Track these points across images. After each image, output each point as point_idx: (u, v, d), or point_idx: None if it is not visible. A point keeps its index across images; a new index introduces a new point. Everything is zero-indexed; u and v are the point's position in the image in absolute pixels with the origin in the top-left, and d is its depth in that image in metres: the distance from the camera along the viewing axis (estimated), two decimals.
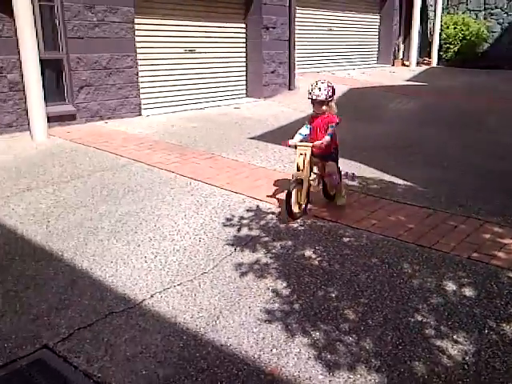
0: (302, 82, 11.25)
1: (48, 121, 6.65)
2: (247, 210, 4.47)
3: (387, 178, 5.40)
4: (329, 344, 2.79)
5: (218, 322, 3.01)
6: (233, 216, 4.35)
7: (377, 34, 15.53)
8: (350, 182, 4.89)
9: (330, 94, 4.16)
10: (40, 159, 5.70)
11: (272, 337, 2.86)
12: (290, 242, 3.86)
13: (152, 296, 3.28)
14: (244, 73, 10.29)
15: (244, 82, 10.33)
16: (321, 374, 2.58)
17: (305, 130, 4.32)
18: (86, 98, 7.36)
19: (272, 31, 10.18)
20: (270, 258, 3.68)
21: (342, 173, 4.58)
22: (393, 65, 15.72)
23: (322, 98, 4.12)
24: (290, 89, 10.64)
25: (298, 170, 4.16)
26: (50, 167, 5.44)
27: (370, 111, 9.41)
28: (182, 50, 9.02)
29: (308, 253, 3.71)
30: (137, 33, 7.99)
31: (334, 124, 4.19)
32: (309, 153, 4.12)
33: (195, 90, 9.36)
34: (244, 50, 10.18)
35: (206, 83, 9.55)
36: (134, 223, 4.18)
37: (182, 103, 9.09)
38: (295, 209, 4.17)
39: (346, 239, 3.90)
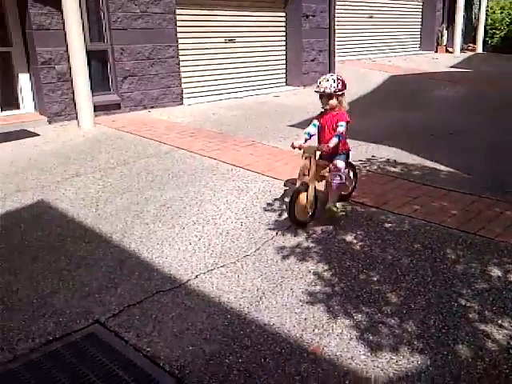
0: (341, 70, 11.14)
1: (94, 110, 6.87)
2: (288, 196, 4.51)
3: (429, 164, 5.33)
4: (371, 326, 2.81)
5: (260, 302, 3.09)
6: (274, 201, 4.40)
7: (419, 20, 15.18)
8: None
9: (340, 87, 3.79)
10: (87, 146, 5.91)
11: (314, 317, 2.91)
12: (330, 227, 3.89)
13: (197, 276, 3.38)
14: (284, 61, 10.28)
15: (283, 71, 10.32)
16: (363, 355, 2.61)
17: (312, 129, 3.97)
18: (130, 87, 7.56)
19: (312, 19, 10.11)
20: (312, 242, 3.72)
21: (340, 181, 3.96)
22: (436, 51, 15.34)
23: (331, 90, 3.76)
24: None
25: (304, 174, 3.83)
26: (97, 154, 5.64)
27: (411, 98, 9.25)
28: (222, 40, 9.09)
29: (349, 238, 3.74)
30: (178, 23, 8.11)
31: (343, 123, 3.81)
32: (315, 155, 3.78)
33: (235, 79, 9.44)
34: (284, 38, 10.16)
35: (246, 72, 9.60)
36: (178, 207, 4.30)
37: (222, 92, 9.18)
38: (300, 216, 3.85)
39: (387, 225, 3.90)
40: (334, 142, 3.74)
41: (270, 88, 9.92)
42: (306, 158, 3.79)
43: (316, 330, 2.81)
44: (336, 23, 10.82)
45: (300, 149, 3.82)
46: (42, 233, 3.99)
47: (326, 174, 3.99)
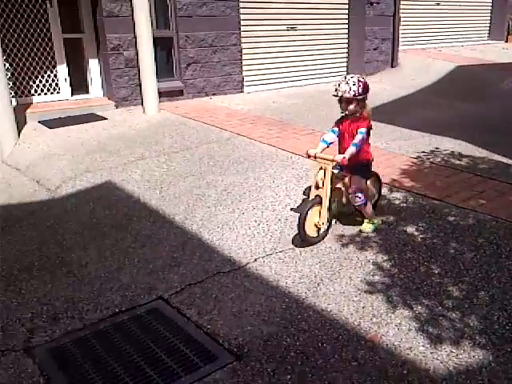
0: (404, 59, 10.87)
1: (158, 96, 7.06)
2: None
3: (496, 157, 5.12)
4: (431, 318, 2.78)
5: (318, 288, 3.12)
6: None
7: (489, 8, 14.46)
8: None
9: (361, 90, 3.38)
10: (152, 131, 6.10)
11: (372, 307, 2.91)
12: (391, 218, 3.84)
13: (255, 260, 3.46)
14: (345, 50, 10.12)
15: (345, 59, 10.16)
16: (422, 346, 2.59)
17: (330, 137, 3.60)
18: (193, 74, 7.70)
19: (376, 6, 9.88)
20: (372, 232, 3.69)
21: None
22: (506, 41, 14.58)
23: (350, 95, 3.37)
24: (392, 66, 10.31)
25: (317, 187, 3.51)
26: (161, 139, 5.82)
27: (478, 90, 8.86)
28: (283, 28, 9.06)
29: (410, 229, 3.68)
30: (241, 11, 8.16)
31: (363, 130, 3.44)
32: (330, 167, 3.44)
33: (296, 67, 9.38)
34: (346, 26, 9.98)
35: (307, 60, 9.52)
36: (238, 193, 4.38)
37: (282, 80, 9.17)
38: (311, 232, 3.53)
39: (450, 218, 3.80)
40: (350, 152, 3.39)
41: (331, 77, 9.79)
42: (320, 169, 3.48)
43: (374, 319, 2.81)
44: (401, 11, 10.52)
45: (315, 158, 3.50)
46: (110, 212, 4.20)
47: (342, 187, 3.68)
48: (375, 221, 3.73)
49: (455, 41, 13.69)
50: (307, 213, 3.45)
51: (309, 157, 3.57)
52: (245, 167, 4.92)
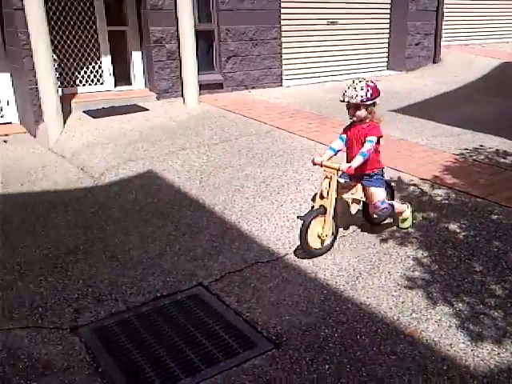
0: (447, 55, 10.64)
1: (198, 88, 7.15)
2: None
3: None
4: (472, 316, 2.75)
5: (357, 281, 3.12)
6: None
7: None
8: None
9: (369, 95, 3.19)
10: (192, 123, 6.19)
11: (412, 302, 2.90)
12: (432, 214, 3.80)
13: (294, 252, 3.48)
14: (386, 45, 9.97)
15: (385, 54, 10.02)
16: (462, 343, 2.57)
17: (338, 144, 3.44)
18: (233, 67, 7.76)
19: (419, 1, 9.69)
20: (412, 227, 3.66)
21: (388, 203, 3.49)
22: None
23: (356, 100, 3.18)
24: (434, 62, 10.11)
25: (322, 196, 3.33)
26: (201, 130, 5.90)
27: None
28: (324, 22, 9.00)
29: (452, 226, 3.63)
30: (282, 5, 8.15)
31: (373, 138, 3.25)
32: (335, 176, 3.27)
33: (335, 61, 9.32)
34: (387, 21, 9.84)
35: (347, 55, 9.45)
36: (277, 185, 4.41)
37: (321, 74, 9.13)
38: (314, 244, 3.36)
39: (493, 216, 3.73)
40: (357, 161, 3.21)
41: (370, 72, 9.68)
42: (326, 178, 3.31)
43: (414, 314, 2.80)
44: (444, 6, 10.28)
45: (321, 166, 3.34)
46: (151, 200, 4.30)
47: (349, 197, 3.51)
48: (409, 215, 3.63)
49: (499, 37, 13.29)
50: (310, 223, 3.29)
51: (314, 164, 3.41)
52: (284, 160, 4.94)
